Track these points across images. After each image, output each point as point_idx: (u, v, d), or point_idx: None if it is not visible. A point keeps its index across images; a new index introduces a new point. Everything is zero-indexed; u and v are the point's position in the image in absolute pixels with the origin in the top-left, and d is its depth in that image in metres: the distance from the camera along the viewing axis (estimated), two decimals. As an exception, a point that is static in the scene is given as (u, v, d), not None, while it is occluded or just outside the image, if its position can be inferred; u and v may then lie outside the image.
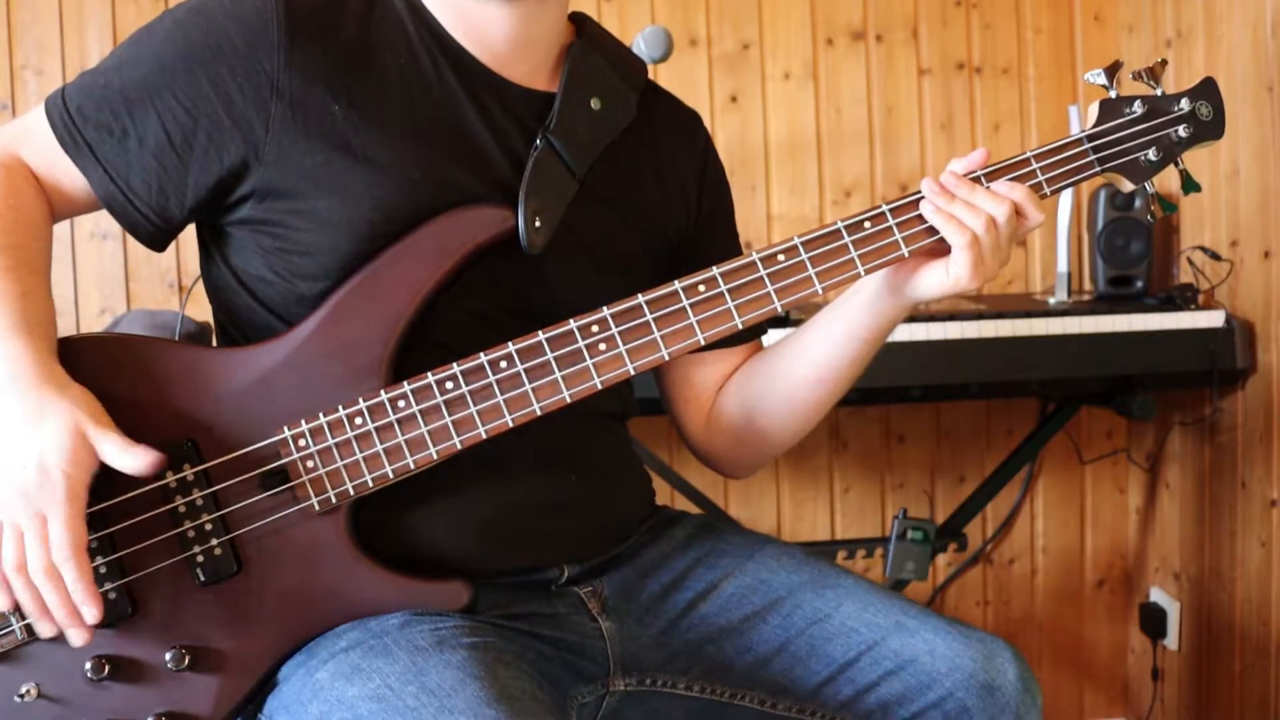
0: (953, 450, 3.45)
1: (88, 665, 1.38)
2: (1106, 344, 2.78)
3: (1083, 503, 3.50)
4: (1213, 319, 2.81)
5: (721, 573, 1.67)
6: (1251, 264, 2.84)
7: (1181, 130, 1.59)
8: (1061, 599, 3.52)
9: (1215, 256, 2.94)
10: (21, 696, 1.38)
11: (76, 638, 1.34)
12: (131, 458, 1.33)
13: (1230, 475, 2.96)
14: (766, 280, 1.49)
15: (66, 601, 1.32)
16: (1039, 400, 3.32)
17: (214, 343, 1.64)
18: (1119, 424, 3.45)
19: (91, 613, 1.32)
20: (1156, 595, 3.34)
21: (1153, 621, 3.29)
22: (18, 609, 1.36)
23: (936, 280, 1.53)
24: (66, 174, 1.48)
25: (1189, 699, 3.22)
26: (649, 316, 1.47)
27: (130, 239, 3.07)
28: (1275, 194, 2.72)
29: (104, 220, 3.08)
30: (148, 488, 1.39)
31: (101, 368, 1.40)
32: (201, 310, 2.88)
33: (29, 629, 1.38)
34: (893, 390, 2.84)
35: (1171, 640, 3.26)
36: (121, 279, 3.15)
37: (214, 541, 1.41)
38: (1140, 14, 3.26)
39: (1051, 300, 3.00)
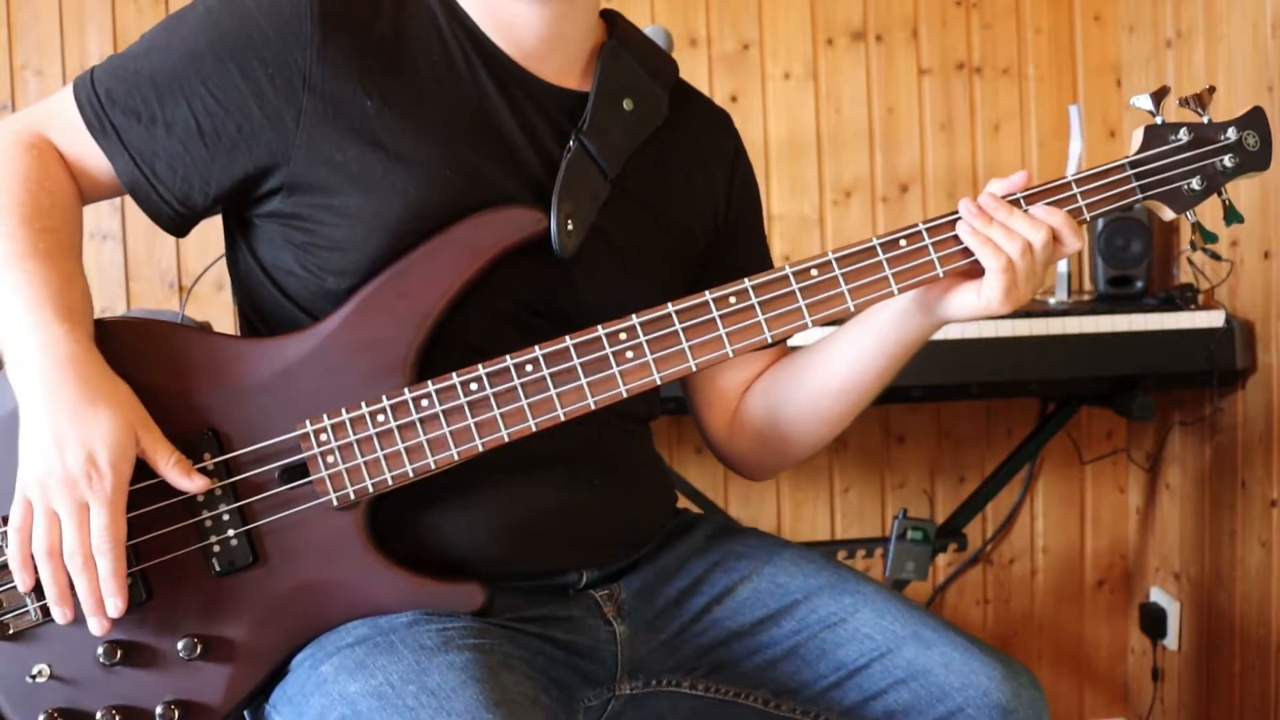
0: (953, 450, 3.45)
1: (100, 649, 1.38)
2: (1106, 344, 2.79)
3: (1083, 503, 3.51)
4: (1213, 319, 2.81)
5: (738, 576, 1.66)
6: (1251, 264, 2.84)
7: (1227, 160, 1.55)
8: (1061, 599, 3.52)
9: (1215, 256, 2.94)
10: (34, 677, 1.39)
11: (97, 626, 1.35)
12: (188, 481, 1.38)
13: (1230, 475, 2.97)
14: (799, 295, 1.47)
15: (97, 591, 1.34)
16: (1039, 400, 3.32)
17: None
18: (1119, 424, 3.46)
19: (117, 604, 1.34)
20: (1156, 595, 3.35)
21: (1153, 621, 3.29)
22: (34, 590, 1.37)
23: (968, 302, 1.50)
24: (92, 157, 1.48)
25: (1189, 699, 3.22)
26: (678, 326, 1.46)
27: (130, 240, 3.10)
28: (1275, 194, 2.73)
29: (104, 221, 3.10)
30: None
31: (127, 351, 1.40)
32: (202, 310, 2.89)
33: (45, 610, 1.38)
34: (893, 390, 2.80)
35: (1171, 640, 3.26)
36: (121, 279, 3.14)
37: (231, 532, 1.41)
38: (1140, 14, 3.27)
39: (1051, 300, 3.00)
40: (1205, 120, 1.56)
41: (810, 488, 3.41)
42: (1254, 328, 2.85)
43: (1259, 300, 2.83)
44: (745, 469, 1.80)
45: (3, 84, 3.07)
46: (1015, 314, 2.73)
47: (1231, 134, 1.55)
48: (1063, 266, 2.99)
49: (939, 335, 2.64)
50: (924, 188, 3.33)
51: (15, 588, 1.37)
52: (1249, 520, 2.90)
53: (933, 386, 2.85)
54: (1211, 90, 1.57)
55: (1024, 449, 3.19)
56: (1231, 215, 1.59)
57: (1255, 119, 1.57)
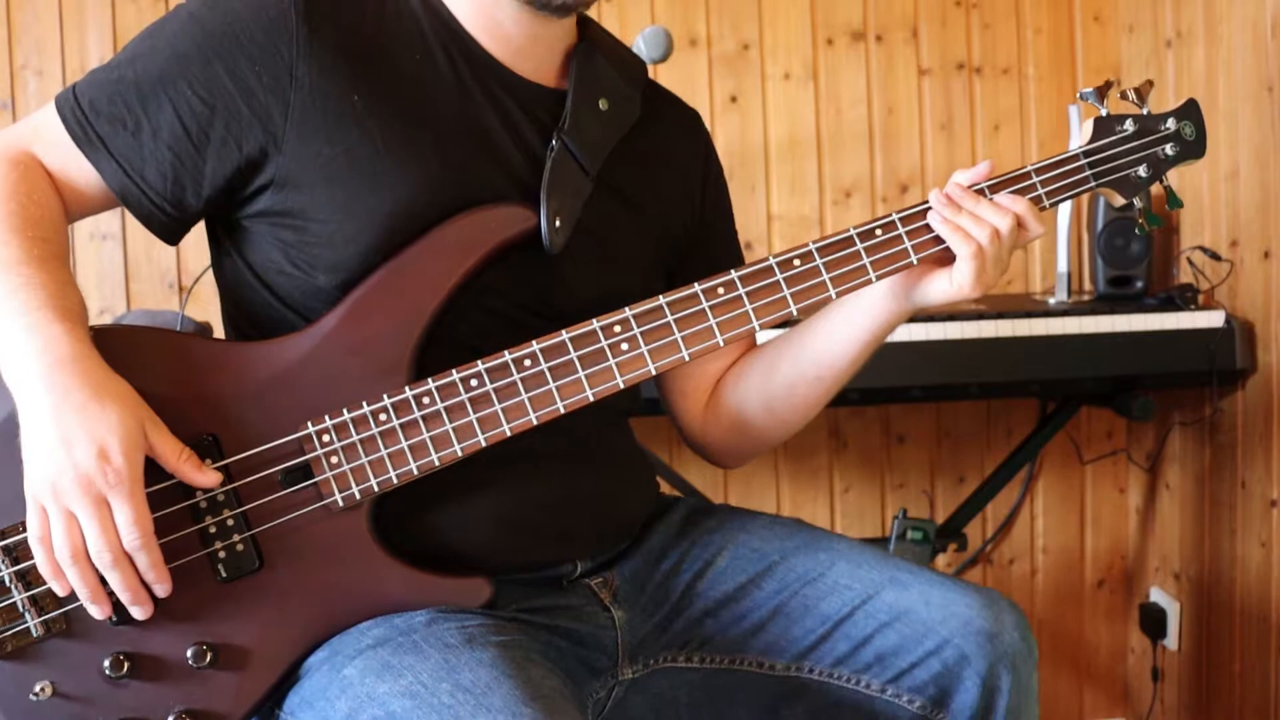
0: (953, 450, 3.45)
1: (106, 663, 1.37)
2: (1106, 344, 2.79)
3: (1083, 503, 3.51)
4: (1213, 319, 2.81)
5: (715, 549, 1.70)
6: (1251, 264, 2.85)
7: (1169, 148, 1.66)
8: (1061, 599, 3.52)
9: (1215, 256, 2.95)
10: (36, 694, 1.37)
11: (142, 614, 1.36)
12: (201, 476, 1.37)
13: (1230, 475, 2.97)
14: (783, 284, 1.53)
15: (135, 584, 1.33)
16: (1039, 400, 3.32)
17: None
18: (1119, 424, 3.46)
19: (164, 589, 1.35)
20: (1156, 595, 3.35)
21: (1153, 621, 3.29)
22: (33, 605, 1.36)
23: (941, 288, 1.58)
24: (80, 170, 1.48)
25: (1189, 699, 3.23)
26: (670, 318, 1.50)
27: (130, 240, 3.10)
28: (1275, 194, 2.73)
29: (104, 220, 3.09)
30: (168, 483, 1.38)
31: (124, 359, 1.39)
32: (201, 310, 2.89)
33: (45, 625, 1.37)
34: (893, 390, 2.84)
35: (1171, 640, 3.26)
36: (121, 279, 3.14)
37: (235, 537, 1.41)
38: (1140, 14, 3.27)
39: (1051, 300, 3.00)
40: (1145, 112, 1.66)
41: (810, 488, 3.41)
42: (1254, 328, 2.85)
43: (1259, 300, 2.83)
44: (718, 457, 1.84)
45: (3, 84, 3.07)
46: (1015, 314, 2.75)
47: (1171, 124, 1.67)
48: (1063, 266, 2.99)
49: (938, 335, 2.69)
50: (924, 188, 3.32)
51: (14, 603, 1.36)
52: (1249, 520, 2.90)
53: (933, 386, 2.85)
54: (1150, 84, 1.67)
55: (1024, 449, 3.19)
56: (1172, 201, 1.70)
57: (1190, 111, 1.68)
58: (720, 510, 1.79)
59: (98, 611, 1.35)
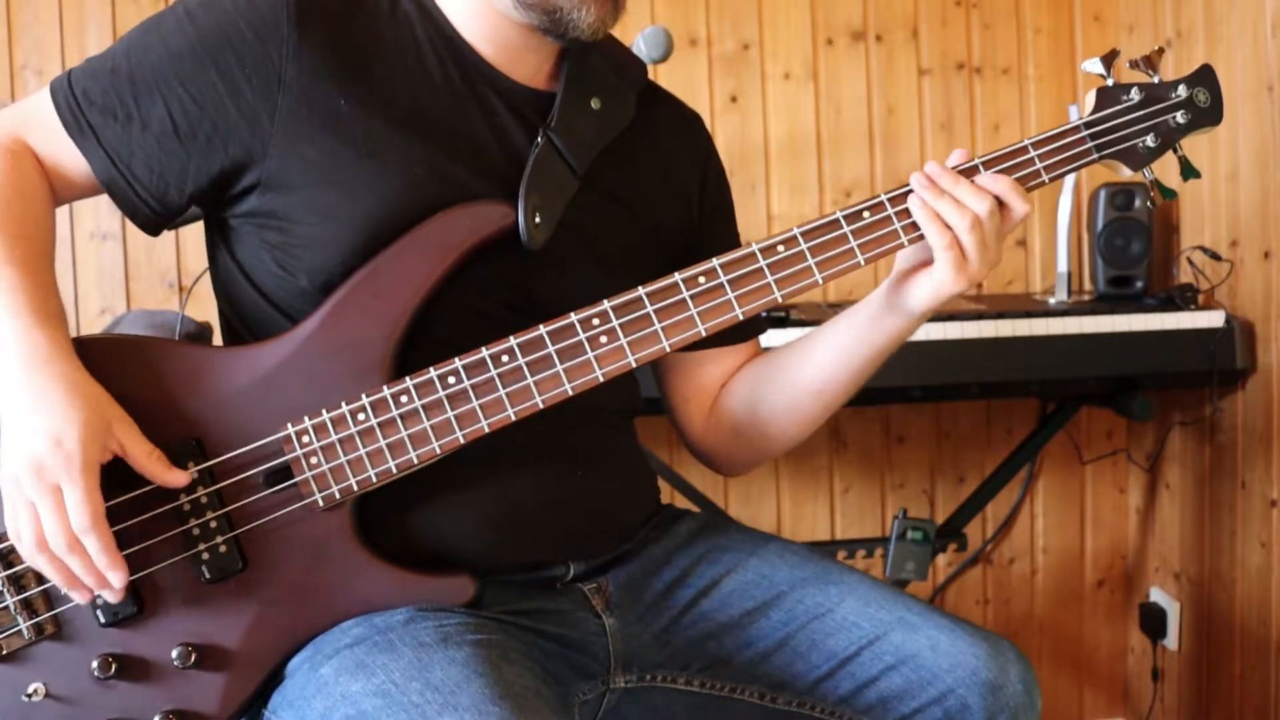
0: (953, 450, 3.45)
1: (94, 664, 1.39)
2: (1106, 344, 2.78)
3: (1083, 503, 3.50)
4: (1213, 319, 2.81)
5: (724, 569, 1.67)
6: (1251, 264, 2.84)
7: (1179, 116, 1.57)
8: (1061, 599, 3.52)
9: (1215, 256, 2.94)
10: (29, 696, 1.38)
11: (112, 596, 1.36)
12: (169, 474, 1.38)
13: (1230, 475, 2.97)
14: (766, 271, 1.49)
15: (93, 570, 1.33)
16: (1039, 400, 3.32)
17: (217, 338, 1.64)
18: (1119, 424, 3.45)
19: (119, 577, 1.34)
20: (1156, 595, 3.34)
21: (1153, 621, 3.29)
22: (25, 609, 1.38)
23: (924, 287, 1.52)
24: (70, 157, 1.49)
25: (1189, 699, 3.22)
26: (649, 308, 1.47)
27: (130, 240, 3.11)
28: (1275, 194, 2.72)
29: (104, 220, 3.10)
30: (152, 486, 1.39)
31: (108, 368, 1.40)
32: (201, 310, 2.89)
33: (37, 628, 1.39)
34: (893, 390, 2.84)
35: (1171, 640, 3.26)
36: (121, 279, 3.15)
37: (219, 539, 1.41)
38: (1140, 14, 3.26)
39: (1051, 300, 3.00)
40: (1155, 80, 1.58)
41: (810, 488, 3.41)
42: (1254, 328, 2.84)
43: (1259, 300, 2.83)
44: (719, 463, 1.83)
45: (3, 84, 3.08)
46: (1015, 314, 2.75)
47: (1182, 91, 1.58)
48: (1063, 266, 2.99)
49: (939, 335, 2.69)
50: (924, 188, 3.32)
51: (6, 607, 1.38)
52: (1249, 520, 2.89)
53: (933, 386, 2.86)
54: (1160, 51, 1.60)
55: (1024, 449, 3.19)
56: (1188, 171, 1.61)
57: (1204, 76, 1.60)
58: (731, 529, 1.77)
59: (78, 598, 1.36)
